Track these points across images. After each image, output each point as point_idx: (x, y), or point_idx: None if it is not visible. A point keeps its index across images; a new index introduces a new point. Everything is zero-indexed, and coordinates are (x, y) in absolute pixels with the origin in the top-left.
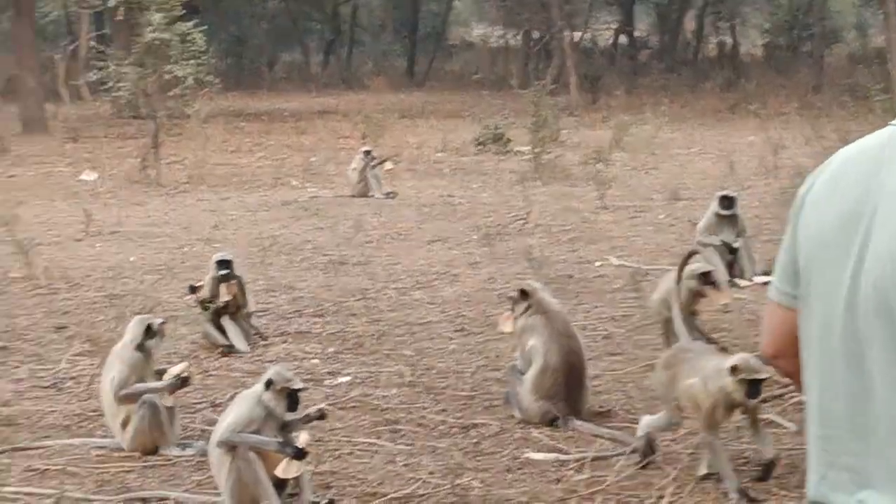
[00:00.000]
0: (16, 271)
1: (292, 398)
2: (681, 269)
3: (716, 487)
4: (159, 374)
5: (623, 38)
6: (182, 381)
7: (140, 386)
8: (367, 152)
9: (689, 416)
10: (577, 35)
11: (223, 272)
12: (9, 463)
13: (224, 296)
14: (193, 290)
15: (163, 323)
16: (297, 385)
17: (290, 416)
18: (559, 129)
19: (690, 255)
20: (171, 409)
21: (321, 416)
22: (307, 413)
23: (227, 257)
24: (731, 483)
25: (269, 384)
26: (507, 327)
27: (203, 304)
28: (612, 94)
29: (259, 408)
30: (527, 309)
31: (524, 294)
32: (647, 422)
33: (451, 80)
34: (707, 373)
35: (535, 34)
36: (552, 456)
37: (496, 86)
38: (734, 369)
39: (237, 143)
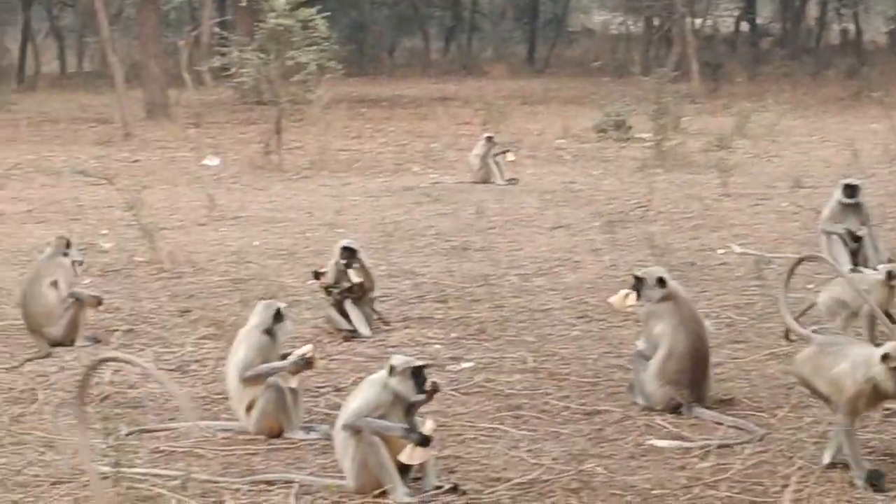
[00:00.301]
0: (141, 255)
1: (418, 376)
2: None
3: (841, 477)
4: (284, 358)
5: (745, 26)
6: (306, 363)
7: (265, 366)
8: (489, 138)
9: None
10: (699, 22)
11: (348, 259)
12: (136, 444)
13: (353, 278)
14: (317, 275)
15: (287, 307)
16: (418, 363)
17: (418, 397)
18: (680, 117)
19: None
20: (295, 393)
21: (435, 389)
22: (429, 420)
23: (352, 243)
24: (859, 473)
25: (391, 369)
26: (622, 302)
27: (327, 289)
28: (734, 82)
29: (385, 393)
30: (660, 297)
31: (661, 282)
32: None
33: (572, 66)
34: (856, 360)
35: (656, 21)
36: (676, 443)
37: (617, 73)
38: (886, 357)
39: (358, 129)
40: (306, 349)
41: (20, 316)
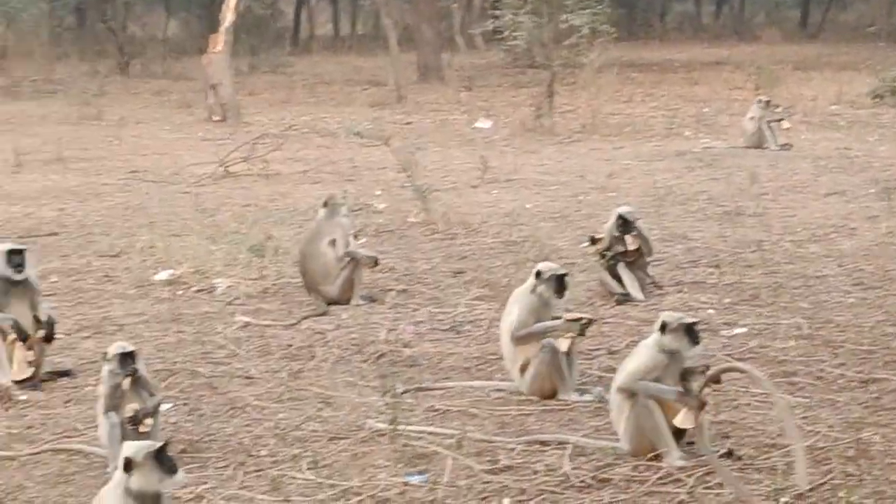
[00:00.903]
0: (414, 216)
1: (691, 333)
2: None
3: None
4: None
5: None
6: (580, 328)
7: (537, 325)
8: (766, 102)
9: None
10: None
11: (623, 227)
12: (412, 403)
13: (630, 245)
14: (594, 241)
15: (564, 271)
16: (690, 319)
17: (695, 352)
18: None
19: None
20: (569, 356)
21: (717, 380)
22: (709, 375)
23: (628, 213)
24: None
25: (663, 327)
26: None
27: (602, 254)
28: None
29: (661, 355)
30: None
31: None
32: None
33: (846, 31)
34: None
35: None
36: None
37: (892, 38)
38: None
39: (629, 94)
40: (578, 315)
41: (298, 274)
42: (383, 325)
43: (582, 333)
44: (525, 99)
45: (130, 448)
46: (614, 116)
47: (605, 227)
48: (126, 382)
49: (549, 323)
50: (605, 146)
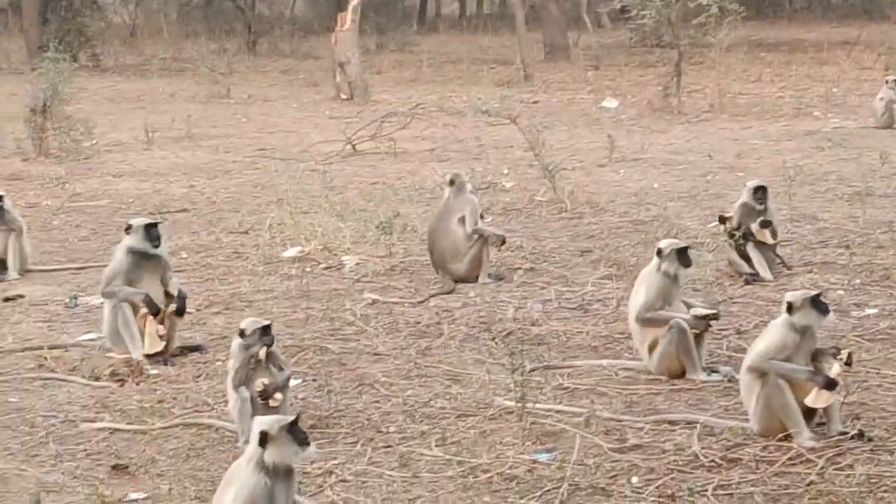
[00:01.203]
0: (541, 195)
1: (818, 305)
2: None
3: None
4: (686, 304)
5: None
6: (706, 324)
7: (664, 312)
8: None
9: None
10: None
11: (762, 198)
12: (540, 381)
13: (758, 236)
14: (723, 220)
15: (692, 250)
16: (814, 292)
17: (828, 321)
18: None
19: None
20: (697, 336)
21: (849, 362)
22: (836, 364)
23: (761, 184)
24: None
25: (790, 307)
26: None
27: (731, 233)
28: None
29: (792, 334)
30: None
31: None
32: None
33: None
34: None
35: None
36: None
37: None
38: None
39: (757, 73)
40: (707, 312)
41: (425, 252)
42: (511, 303)
43: (707, 329)
44: (652, 78)
45: (265, 422)
46: (742, 96)
47: (735, 206)
48: (262, 352)
49: (676, 314)
50: (734, 126)
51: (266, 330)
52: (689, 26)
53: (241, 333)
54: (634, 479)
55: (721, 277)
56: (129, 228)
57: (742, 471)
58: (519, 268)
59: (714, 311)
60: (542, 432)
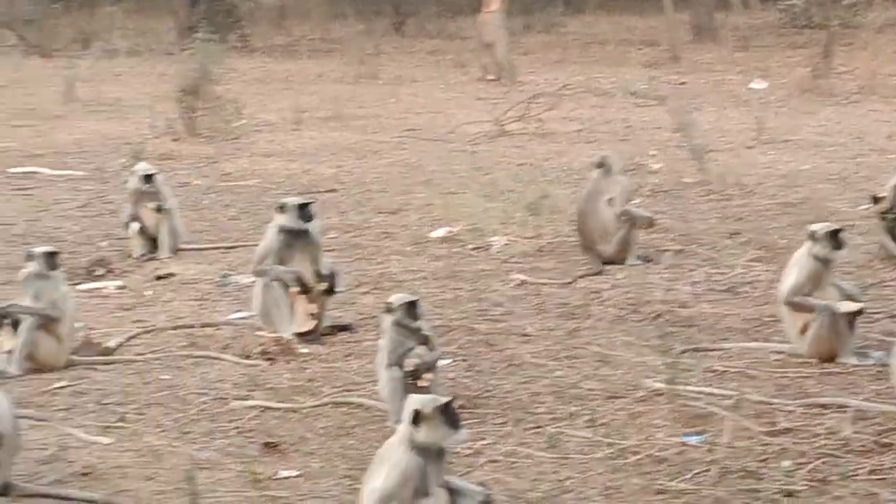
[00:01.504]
0: (690, 176)
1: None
2: None
3: None
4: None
5: None
6: (852, 316)
7: (813, 301)
8: None
9: None
10: None
11: None
12: (690, 363)
13: None
14: (876, 200)
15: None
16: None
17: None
18: None
19: None
20: (851, 319)
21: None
22: None
23: None
24: None
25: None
26: None
27: (883, 215)
28: None
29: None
30: None
31: None
32: None
33: None
34: None
35: None
36: None
37: None
38: None
39: None
40: (853, 306)
41: (573, 233)
42: (659, 284)
43: (859, 313)
44: (801, 60)
45: (419, 401)
46: (894, 78)
47: (889, 187)
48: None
49: (826, 303)
50: (885, 108)
51: (412, 305)
52: (839, 6)
53: (388, 308)
54: (786, 463)
55: (872, 261)
56: (282, 207)
57: (894, 456)
58: (667, 250)
59: (860, 306)
60: (691, 415)
